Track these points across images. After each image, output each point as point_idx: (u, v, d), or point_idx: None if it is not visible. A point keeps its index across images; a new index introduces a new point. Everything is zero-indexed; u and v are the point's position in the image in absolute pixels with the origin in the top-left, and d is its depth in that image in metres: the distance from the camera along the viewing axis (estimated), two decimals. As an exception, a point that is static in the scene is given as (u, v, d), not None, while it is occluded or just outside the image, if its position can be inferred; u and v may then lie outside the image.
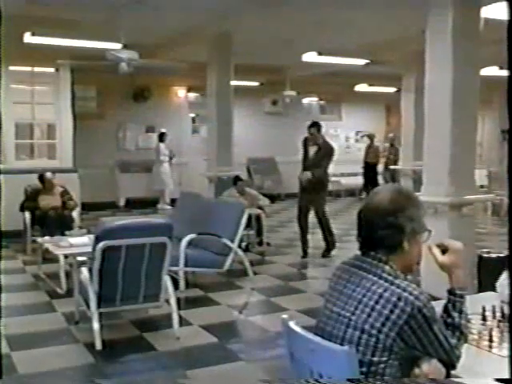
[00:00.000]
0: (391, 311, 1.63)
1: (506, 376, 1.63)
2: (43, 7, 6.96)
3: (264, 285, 5.59)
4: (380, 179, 13.08)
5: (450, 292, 1.80)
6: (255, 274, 5.57)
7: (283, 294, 5.35)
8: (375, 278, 1.71)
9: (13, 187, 7.17)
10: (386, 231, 1.73)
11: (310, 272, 6.41)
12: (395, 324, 1.62)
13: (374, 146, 13.48)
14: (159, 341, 4.04)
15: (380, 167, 13.24)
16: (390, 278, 1.70)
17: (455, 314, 1.77)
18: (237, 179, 7.46)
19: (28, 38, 7.23)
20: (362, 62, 9.41)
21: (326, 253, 6.86)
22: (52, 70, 8.54)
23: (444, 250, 1.84)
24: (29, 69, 8.44)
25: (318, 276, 6.11)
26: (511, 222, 1.68)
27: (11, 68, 8.23)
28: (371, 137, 13.52)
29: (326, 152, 6.71)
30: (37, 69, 8.52)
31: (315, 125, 6.70)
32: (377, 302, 1.66)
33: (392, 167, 11.73)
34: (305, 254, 6.87)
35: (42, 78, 8.66)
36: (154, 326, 4.37)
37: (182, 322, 4.28)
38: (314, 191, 6.63)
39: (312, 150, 6.69)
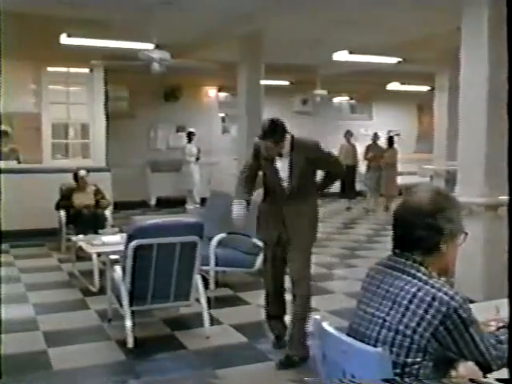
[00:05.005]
0: (426, 311, 1.60)
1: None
2: (77, 8, 7.09)
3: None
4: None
5: None
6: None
7: (313, 294, 5.31)
8: (409, 278, 1.68)
9: (49, 186, 7.36)
10: (424, 232, 1.70)
11: (339, 272, 6.35)
12: (430, 324, 1.60)
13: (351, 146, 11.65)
14: (189, 339, 4.07)
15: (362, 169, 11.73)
16: (425, 277, 1.67)
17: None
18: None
19: (64, 39, 7.38)
20: (393, 60, 9.29)
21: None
22: (86, 70, 8.68)
23: None
24: (64, 70, 8.60)
25: (347, 276, 6.06)
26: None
27: (49, 69, 8.41)
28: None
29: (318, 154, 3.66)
30: (72, 69, 8.68)
31: (275, 130, 3.49)
32: (410, 302, 1.64)
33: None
34: (278, 338, 3.94)
35: (77, 79, 8.81)
36: (184, 325, 4.41)
37: (213, 321, 4.30)
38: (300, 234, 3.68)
39: (280, 164, 3.62)
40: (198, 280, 4.13)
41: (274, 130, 3.47)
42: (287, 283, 3.89)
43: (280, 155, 3.58)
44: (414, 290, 1.65)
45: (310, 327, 3.54)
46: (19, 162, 8.58)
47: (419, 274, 1.68)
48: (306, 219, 3.72)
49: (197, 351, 3.90)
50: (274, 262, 3.81)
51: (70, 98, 8.74)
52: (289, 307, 3.88)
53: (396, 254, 1.78)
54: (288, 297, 3.89)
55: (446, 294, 1.61)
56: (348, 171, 10.79)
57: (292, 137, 3.57)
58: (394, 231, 1.80)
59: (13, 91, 8.22)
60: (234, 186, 3.85)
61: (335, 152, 10.89)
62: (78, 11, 7.25)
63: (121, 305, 3.94)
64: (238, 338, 4.13)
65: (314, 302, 4.95)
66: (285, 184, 3.63)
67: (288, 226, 3.66)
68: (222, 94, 12.60)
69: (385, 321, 1.68)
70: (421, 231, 1.70)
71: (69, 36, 7.33)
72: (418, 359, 1.62)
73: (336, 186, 10.21)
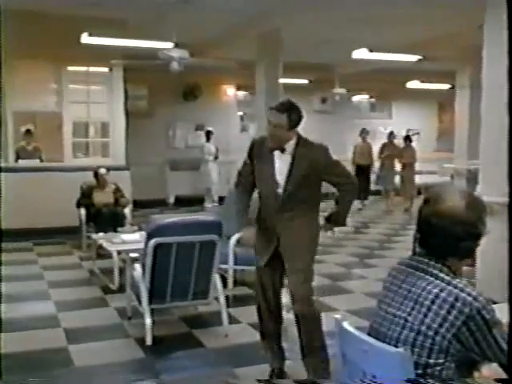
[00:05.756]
0: (448, 312, 1.59)
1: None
2: (97, 8, 7.16)
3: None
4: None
5: None
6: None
7: (331, 293, 5.29)
8: (431, 278, 1.67)
9: (70, 184, 7.44)
10: (463, 242, 1.67)
11: (358, 272, 6.31)
12: (452, 325, 1.58)
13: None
14: (208, 338, 4.08)
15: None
16: (447, 278, 1.65)
17: None
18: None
19: (85, 38, 7.45)
20: (413, 58, 9.20)
21: None
22: (106, 69, 8.76)
23: None
24: (84, 69, 8.69)
25: (366, 276, 6.02)
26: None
27: (69, 68, 8.51)
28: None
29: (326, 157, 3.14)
30: (92, 69, 8.76)
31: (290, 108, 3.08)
32: (433, 302, 1.62)
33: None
34: (279, 373, 3.38)
35: (97, 78, 8.90)
36: (203, 323, 4.42)
37: (231, 319, 4.30)
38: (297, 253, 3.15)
39: (279, 164, 3.13)
40: (216, 278, 4.14)
41: (284, 104, 3.08)
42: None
43: (282, 149, 3.08)
44: (436, 290, 1.63)
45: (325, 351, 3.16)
46: (42, 161, 8.71)
47: (442, 275, 1.66)
48: (305, 237, 3.11)
49: (215, 349, 3.91)
50: (265, 289, 3.28)
51: (91, 97, 8.83)
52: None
53: (419, 254, 1.75)
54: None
55: (469, 294, 1.59)
56: (362, 171, 10.78)
57: (298, 135, 3.13)
58: (423, 237, 1.74)
59: (35, 90, 8.35)
60: (227, 198, 3.43)
61: (347, 151, 11.05)
62: (99, 11, 7.31)
63: (140, 303, 3.97)
64: (257, 336, 4.10)
65: (333, 301, 4.97)
66: (280, 190, 3.09)
67: (282, 244, 3.12)
68: (241, 93, 12.61)
69: (406, 321, 1.67)
70: (461, 241, 1.67)
71: (90, 35, 7.40)
72: (441, 360, 1.60)
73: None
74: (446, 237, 1.68)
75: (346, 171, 3.28)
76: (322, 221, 3.27)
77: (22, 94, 8.17)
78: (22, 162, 8.42)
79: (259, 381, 3.19)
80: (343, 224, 3.28)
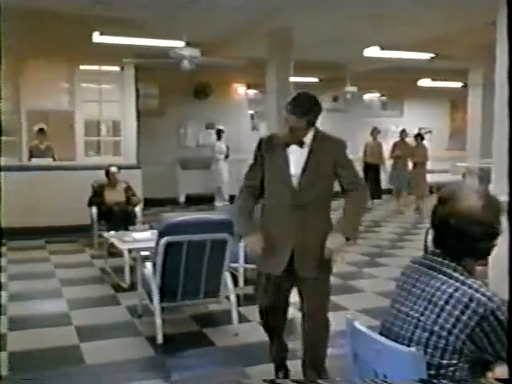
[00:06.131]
0: (462, 312, 1.57)
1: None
2: (109, 7, 7.18)
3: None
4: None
5: None
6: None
7: (342, 292, 5.27)
8: (445, 278, 1.65)
9: (81, 183, 7.49)
10: (481, 243, 1.66)
11: (369, 271, 6.28)
12: (466, 326, 1.56)
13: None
14: (218, 336, 4.08)
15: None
16: (462, 277, 1.63)
17: None
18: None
19: (96, 37, 7.48)
20: (426, 56, 9.13)
21: None
22: (117, 68, 8.79)
23: None
24: (96, 68, 8.73)
25: (377, 275, 5.99)
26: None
27: (81, 67, 8.55)
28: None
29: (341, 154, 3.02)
30: (104, 68, 8.80)
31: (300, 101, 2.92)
32: (447, 302, 1.60)
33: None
34: (283, 370, 3.32)
35: (108, 77, 8.94)
36: (213, 322, 4.43)
37: (241, 318, 4.30)
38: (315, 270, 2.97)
39: (295, 156, 2.97)
40: (227, 277, 4.14)
41: (301, 106, 2.86)
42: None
43: (301, 143, 2.92)
44: (450, 290, 1.62)
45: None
46: (54, 160, 8.78)
47: (456, 274, 1.65)
48: (319, 238, 2.90)
49: (225, 348, 3.91)
50: (276, 298, 3.10)
51: (102, 95, 8.88)
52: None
53: (433, 253, 1.74)
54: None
55: (483, 295, 1.57)
56: (371, 169, 10.71)
57: (315, 128, 2.98)
58: (439, 238, 1.72)
59: (48, 90, 8.41)
60: (235, 203, 3.16)
61: (359, 150, 10.92)
62: (111, 10, 7.34)
63: (151, 301, 3.99)
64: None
65: (344, 300, 4.96)
66: (295, 184, 2.93)
67: (297, 245, 2.93)
68: (251, 92, 12.59)
69: (419, 321, 1.65)
70: (478, 241, 1.65)
71: (101, 34, 7.43)
72: (454, 361, 1.58)
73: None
74: (464, 237, 1.66)
75: (356, 172, 3.10)
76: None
77: (36, 93, 8.24)
78: (35, 161, 8.49)
79: (264, 380, 3.17)
80: (353, 235, 2.98)
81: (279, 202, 2.99)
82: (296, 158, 2.94)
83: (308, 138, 2.94)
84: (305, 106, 2.87)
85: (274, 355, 3.32)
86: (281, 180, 2.97)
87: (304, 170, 2.92)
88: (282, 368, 3.31)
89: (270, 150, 3.01)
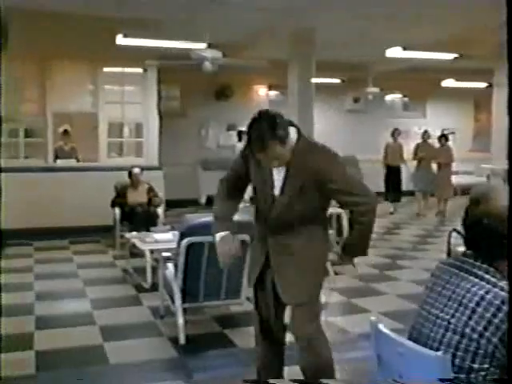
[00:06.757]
0: (494, 315, 1.54)
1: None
2: (132, 9, 7.25)
3: (344, 285, 5.50)
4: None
5: None
6: (335, 273, 5.49)
7: (364, 295, 5.24)
8: (477, 280, 1.62)
9: (104, 184, 7.58)
10: None
11: (392, 273, 6.23)
12: (498, 329, 1.53)
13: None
14: (240, 338, 4.08)
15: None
16: (494, 279, 1.60)
17: None
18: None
19: (120, 39, 7.57)
20: (449, 56, 9.02)
21: None
22: (140, 70, 8.88)
23: None
24: (119, 70, 8.82)
25: (400, 278, 5.94)
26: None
27: (105, 69, 8.66)
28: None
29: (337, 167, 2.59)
30: (127, 69, 8.90)
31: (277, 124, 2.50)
32: (478, 304, 1.57)
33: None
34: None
35: (131, 79, 9.03)
36: (234, 323, 4.43)
37: (263, 319, 4.30)
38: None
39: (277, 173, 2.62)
40: (248, 278, 4.14)
41: (260, 138, 2.44)
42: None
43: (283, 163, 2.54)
44: (481, 292, 1.59)
45: None
46: (78, 161, 8.90)
47: (487, 276, 1.62)
48: (302, 262, 2.59)
49: (247, 349, 3.90)
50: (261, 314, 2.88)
51: (125, 97, 8.97)
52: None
53: (464, 255, 1.71)
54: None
55: None
56: (392, 172, 10.52)
57: (299, 135, 2.57)
58: (472, 239, 1.68)
59: (72, 91, 8.54)
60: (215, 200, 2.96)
61: (380, 151, 10.70)
62: (134, 12, 7.41)
63: (173, 302, 4.01)
64: (288, 337, 4.11)
65: (366, 302, 4.92)
66: (275, 204, 2.61)
67: (274, 268, 2.64)
68: (273, 93, 12.60)
69: (449, 323, 1.63)
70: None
71: (125, 36, 7.51)
72: (485, 365, 1.55)
73: (379, 186, 9.49)
74: (497, 238, 1.63)
75: (359, 187, 2.60)
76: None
77: (61, 95, 8.37)
78: (60, 162, 8.63)
79: (245, 381, 3.15)
80: (363, 253, 2.68)
81: (262, 221, 2.72)
82: (278, 177, 2.60)
83: (288, 153, 2.51)
84: (261, 137, 2.43)
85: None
86: (265, 199, 2.66)
87: (282, 192, 2.58)
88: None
89: (255, 162, 2.62)
